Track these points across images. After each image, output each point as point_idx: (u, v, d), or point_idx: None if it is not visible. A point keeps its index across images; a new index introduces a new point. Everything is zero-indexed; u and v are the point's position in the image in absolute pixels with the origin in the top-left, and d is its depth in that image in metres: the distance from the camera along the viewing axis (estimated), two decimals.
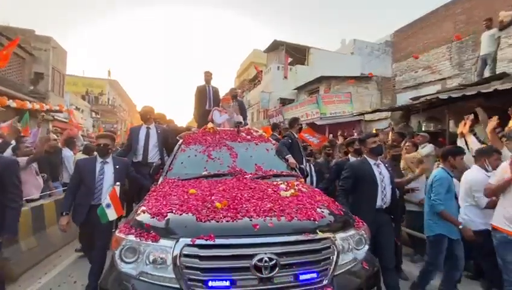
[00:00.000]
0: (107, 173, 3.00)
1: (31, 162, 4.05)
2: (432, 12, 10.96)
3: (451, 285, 3.01)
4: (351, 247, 2.04)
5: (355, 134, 6.05)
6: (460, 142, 4.02)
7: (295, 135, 4.28)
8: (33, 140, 5.01)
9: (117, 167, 3.06)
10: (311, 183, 4.28)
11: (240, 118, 5.06)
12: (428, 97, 6.72)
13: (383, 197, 2.75)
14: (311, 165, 4.60)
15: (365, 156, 2.94)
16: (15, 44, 10.42)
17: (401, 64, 11.41)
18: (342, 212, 2.24)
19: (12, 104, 9.91)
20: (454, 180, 3.11)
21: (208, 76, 5.58)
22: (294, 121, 4.50)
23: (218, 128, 4.10)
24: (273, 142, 3.92)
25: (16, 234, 2.58)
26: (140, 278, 1.76)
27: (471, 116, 3.85)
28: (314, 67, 17.65)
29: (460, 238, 2.92)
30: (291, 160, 3.45)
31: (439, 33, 9.84)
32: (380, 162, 2.90)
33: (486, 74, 6.85)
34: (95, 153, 3.41)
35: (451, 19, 9.74)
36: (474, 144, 3.74)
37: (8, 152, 4.14)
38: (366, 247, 2.15)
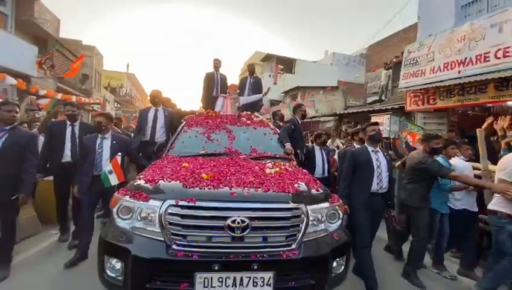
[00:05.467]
0: (105, 147, 2.78)
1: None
2: (394, 34, 11.10)
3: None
4: (323, 219, 1.84)
5: (316, 131, 6.32)
6: None
7: (299, 120, 3.65)
8: None
9: (114, 142, 2.82)
10: (323, 168, 3.77)
11: (249, 99, 4.37)
12: (350, 110, 9.54)
13: (379, 181, 2.47)
14: (323, 153, 3.86)
15: (366, 143, 2.65)
16: (81, 59, 11.19)
17: (371, 74, 11.60)
18: (319, 189, 2.03)
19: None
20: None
21: (217, 63, 4.70)
22: (297, 107, 3.78)
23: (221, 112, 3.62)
24: (272, 127, 3.41)
25: (30, 194, 2.51)
26: (134, 232, 1.65)
27: None
28: (299, 76, 17.32)
29: None
30: (288, 146, 3.05)
31: (398, 52, 9.83)
32: (379, 150, 2.60)
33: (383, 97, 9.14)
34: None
35: (407, 41, 9.84)
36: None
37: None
38: (339, 221, 1.91)
